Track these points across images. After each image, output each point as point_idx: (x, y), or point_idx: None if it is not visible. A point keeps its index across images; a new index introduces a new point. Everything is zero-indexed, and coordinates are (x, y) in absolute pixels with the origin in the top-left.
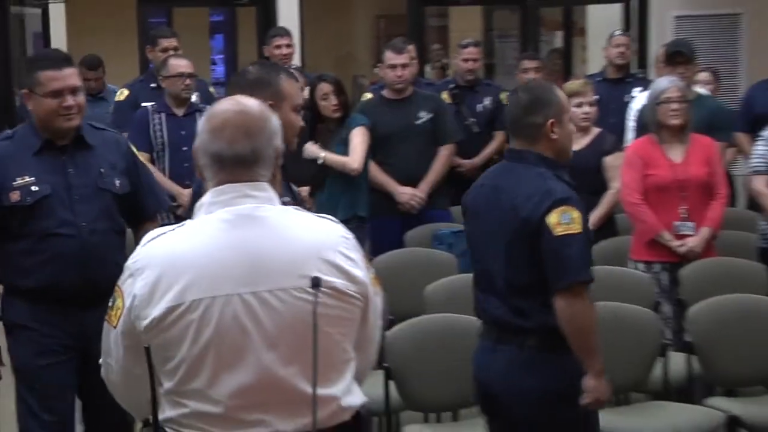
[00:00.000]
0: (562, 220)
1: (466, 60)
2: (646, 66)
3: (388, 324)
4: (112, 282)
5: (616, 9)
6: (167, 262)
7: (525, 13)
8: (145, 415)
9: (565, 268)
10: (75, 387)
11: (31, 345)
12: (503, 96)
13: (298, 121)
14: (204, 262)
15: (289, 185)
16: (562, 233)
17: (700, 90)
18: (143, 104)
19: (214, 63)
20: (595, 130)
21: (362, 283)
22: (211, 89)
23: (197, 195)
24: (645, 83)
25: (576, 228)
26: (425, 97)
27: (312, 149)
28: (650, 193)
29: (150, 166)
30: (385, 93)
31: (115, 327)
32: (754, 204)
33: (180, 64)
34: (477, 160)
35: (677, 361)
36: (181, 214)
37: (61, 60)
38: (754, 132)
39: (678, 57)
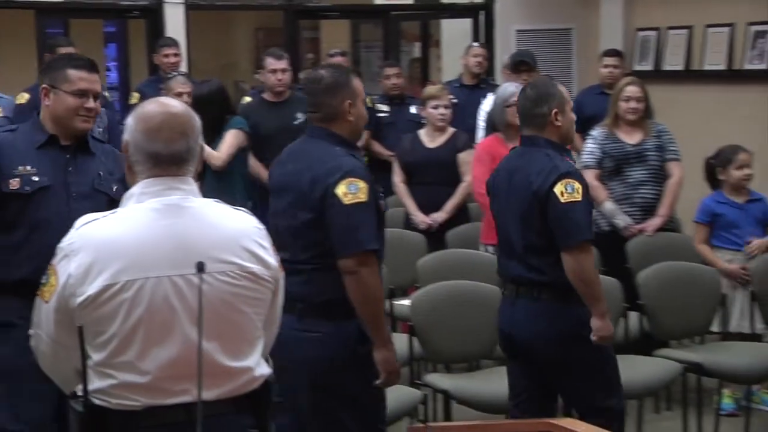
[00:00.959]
0: (567, 190)
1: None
2: (493, 73)
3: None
4: None
5: (467, 23)
6: (102, 245)
7: (387, 26)
8: (72, 387)
9: (571, 229)
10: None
11: (17, 343)
12: (368, 100)
13: (366, 114)
14: (137, 246)
15: None
16: (567, 201)
17: None
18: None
19: (108, 69)
20: (451, 130)
21: (274, 268)
22: (106, 93)
23: None
24: (496, 89)
25: (578, 196)
26: (302, 99)
27: None
28: None
29: None
30: (264, 95)
31: (47, 302)
32: None
33: None
34: None
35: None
36: None
37: (92, 64)
38: (584, 132)
39: (522, 65)
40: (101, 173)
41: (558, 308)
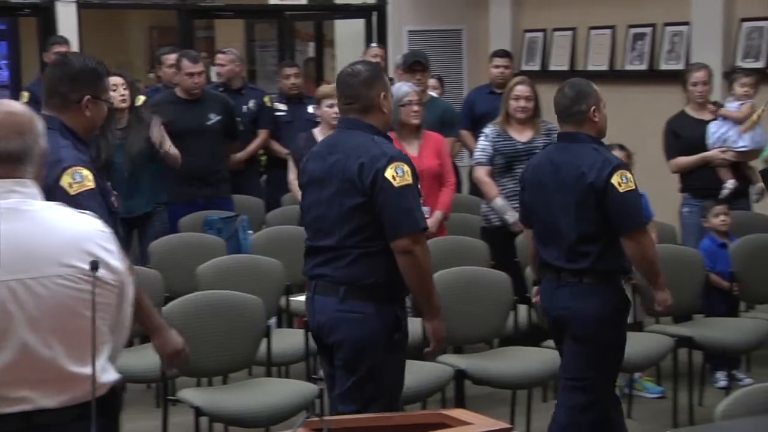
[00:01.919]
0: (623, 181)
1: (221, 65)
2: (387, 73)
3: (164, 300)
4: None
5: (360, 23)
6: None
7: (282, 26)
8: None
9: (632, 216)
10: None
11: None
12: (266, 99)
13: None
14: None
15: None
16: (625, 190)
17: (431, 93)
18: None
19: None
20: None
21: (119, 272)
22: None
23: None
24: None
25: (632, 185)
26: (215, 99)
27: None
28: None
29: None
30: (177, 92)
31: None
32: (476, 190)
33: None
34: (242, 154)
35: (414, 325)
36: None
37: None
38: (475, 129)
39: (417, 66)
40: None
41: (602, 291)
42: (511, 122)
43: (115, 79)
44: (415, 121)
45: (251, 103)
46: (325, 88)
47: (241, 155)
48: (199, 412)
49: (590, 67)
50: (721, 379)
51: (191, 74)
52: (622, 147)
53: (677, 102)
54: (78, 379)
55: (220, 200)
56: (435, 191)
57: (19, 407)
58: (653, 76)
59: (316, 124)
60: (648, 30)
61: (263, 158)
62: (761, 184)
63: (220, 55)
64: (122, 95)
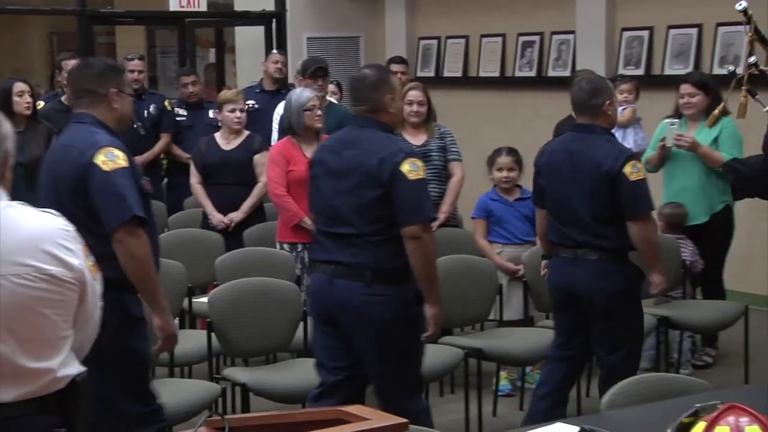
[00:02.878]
0: (633, 170)
1: (132, 71)
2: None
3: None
4: None
5: (260, 30)
6: None
7: (182, 33)
8: None
9: (640, 202)
10: None
11: (146, 336)
12: (167, 103)
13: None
14: None
15: None
16: (635, 179)
17: (330, 99)
18: None
19: None
20: (246, 132)
21: (78, 270)
22: None
23: None
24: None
25: (642, 174)
26: None
27: None
28: (292, 185)
29: None
30: (64, 100)
31: None
32: None
33: None
34: (143, 157)
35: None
36: None
37: None
38: None
39: (318, 72)
40: None
41: (614, 268)
42: (405, 126)
43: (20, 86)
44: (318, 125)
45: (152, 108)
46: (226, 94)
47: (146, 156)
48: None
49: (482, 74)
50: None
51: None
52: (510, 151)
53: (565, 107)
54: (35, 374)
55: None
56: None
57: None
58: (541, 82)
59: (216, 128)
60: (536, 38)
61: (164, 162)
62: None
63: (137, 61)
64: (27, 102)
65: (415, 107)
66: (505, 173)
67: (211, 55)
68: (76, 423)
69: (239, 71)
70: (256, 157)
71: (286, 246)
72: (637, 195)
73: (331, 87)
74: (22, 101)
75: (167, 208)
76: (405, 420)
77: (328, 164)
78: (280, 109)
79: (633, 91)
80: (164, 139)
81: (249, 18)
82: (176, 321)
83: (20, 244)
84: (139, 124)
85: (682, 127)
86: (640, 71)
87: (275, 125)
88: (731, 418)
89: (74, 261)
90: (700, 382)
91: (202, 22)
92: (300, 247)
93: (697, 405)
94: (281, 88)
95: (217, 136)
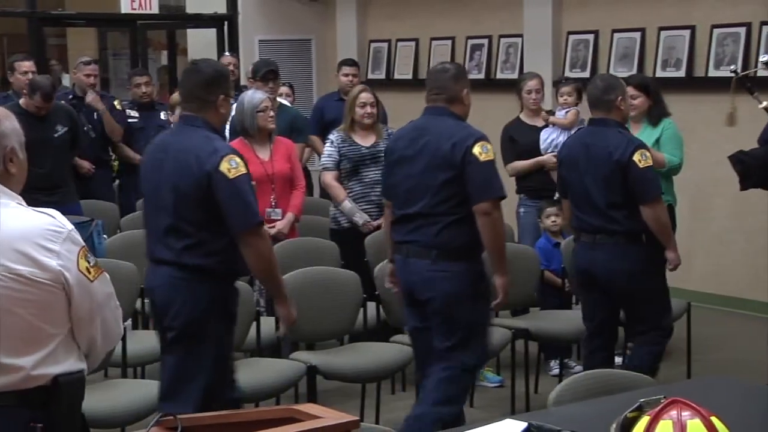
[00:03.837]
0: (642, 158)
1: (88, 75)
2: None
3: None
4: None
5: (212, 33)
6: None
7: (134, 35)
8: None
9: (650, 187)
10: None
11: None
12: (116, 102)
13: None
14: None
15: None
16: (644, 166)
17: (282, 101)
18: None
19: None
20: None
21: (55, 271)
22: None
23: None
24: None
25: (650, 162)
26: (60, 110)
27: None
28: None
29: None
30: (22, 104)
31: None
32: (325, 194)
33: None
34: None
35: (268, 324)
36: None
37: None
38: (325, 135)
39: (270, 74)
40: None
41: (631, 250)
42: (355, 128)
43: None
44: (271, 126)
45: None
46: (178, 96)
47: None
48: None
49: None
50: (554, 367)
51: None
52: None
53: (513, 109)
54: (7, 369)
55: (67, 207)
56: (286, 194)
57: None
58: (490, 84)
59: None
60: (485, 41)
61: (116, 164)
62: None
63: (93, 65)
64: None
65: (368, 109)
66: None
67: (164, 58)
68: (55, 420)
69: None
70: None
71: None
72: (647, 180)
73: (285, 89)
74: None
75: (119, 209)
76: (356, 418)
77: (400, 151)
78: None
79: (573, 94)
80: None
81: (201, 20)
82: (129, 322)
83: None
84: (90, 126)
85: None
86: (586, 74)
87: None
88: (674, 412)
89: (51, 262)
90: (643, 377)
91: (153, 24)
92: None
93: (642, 400)
94: (234, 89)
95: None
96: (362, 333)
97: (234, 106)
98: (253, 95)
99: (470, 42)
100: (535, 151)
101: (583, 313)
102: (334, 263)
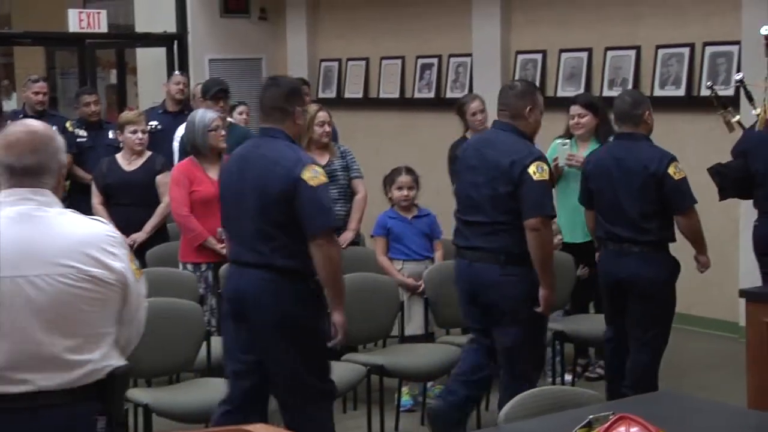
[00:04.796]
0: (677, 170)
1: (36, 93)
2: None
3: None
4: None
5: (162, 52)
6: None
7: (83, 54)
8: None
9: (685, 198)
10: None
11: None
12: (68, 124)
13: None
14: None
15: None
16: (679, 177)
17: (232, 120)
18: None
19: None
20: (148, 153)
21: (119, 272)
22: None
23: None
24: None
25: (684, 173)
26: None
27: None
28: (196, 206)
29: None
30: None
31: None
32: None
33: None
34: None
35: (218, 344)
36: None
37: None
38: None
39: (220, 93)
40: None
41: (656, 257)
42: (311, 147)
43: None
44: (222, 145)
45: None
46: (127, 115)
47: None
48: None
49: (382, 95)
50: None
51: None
52: (409, 170)
53: (461, 128)
54: (75, 365)
55: None
56: None
57: (23, 387)
58: (440, 103)
59: (117, 149)
60: (434, 60)
61: (66, 183)
62: None
63: (41, 83)
64: None
65: (326, 128)
66: (405, 192)
67: (113, 76)
68: (113, 411)
69: (141, 92)
70: (159, 177)
71: (189, 266)
72: (683, 191)
73: (242, 108)
74: None
75: None
76: None
77: (468, 160)
78: (180, 130)
79: None
80: (67, 159)
81: (150, 39)
82: None
83: (65, 247)
84: None
85: (573, 147)
86: None
87: (176, 146)
88: (622, 428)
89: (116, 264)
90: (593, 394)
91: (102, 43)
92: (204, 267)
93: (591, 416)
94: (184, 109)
95: (119, 156)
96: None
97: (183, 125)
98: (204, 114)
99: (420, 61)
100: None
101: (606, 317)
102: None
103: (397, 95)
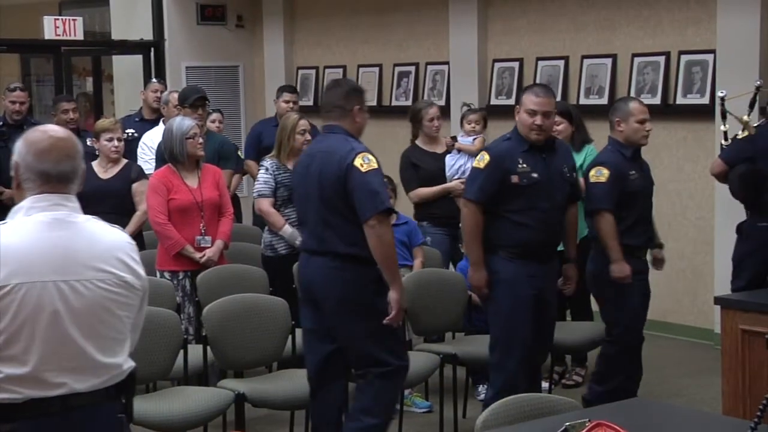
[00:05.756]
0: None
1: (13, 102)
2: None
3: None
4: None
5: (138, 59)
6: None
7: (58, 61)
8: None
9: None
10: None
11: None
12: None
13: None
14: (26, 253)
15: None
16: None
17: (210, 127)
18: None
19: None
20: (124, 161)
21: (144, 279)
22: None
23: None
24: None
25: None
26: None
27: None
28: (174, 213)
29: None
30: None
31: None
32: (258, 221)
33: None
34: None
35: (195, 352)
36: None
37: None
38: (261, 160)
39: (198, 101)
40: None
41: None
42: (290, 157)
43: None
44: (200, 153)
45: None
46: (103, 123)
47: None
48: None
49: None
50: (482, 392)
51: None
52: (387, 179)
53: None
54: (107, 367)
55: None
56: (215, 221)
57: (59, 391)
58: None
59: (93, 156)
60: (412, 68)
61: None
62: None
63: (19, 92)
64: None
65: (307, 136)
66: None
67: (89, 84)
68: (129, 408)
69: (117, 100)
70: (135, 185)
71: (166, 274)
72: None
73: (216, 116)
74: None
75: None
76: None
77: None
78: (149, 139)
79: (480, 121)
80: None
81: (127, 47)
82: None
83: (101, 253)
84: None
85: None
86: (512, 101)
87: (140, 153)
88: None
89: (141, 270)
90: (569, 401)
91: (78, 50)
92: (181, 275)
93: (567, 423)
94: (160, 116)
95: (95, 164)
96: (291, 360)
97: (150, 133)
98: (182, 122)
99: (397, 69)
100: (440, 177)
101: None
102: (263, 290)
103: (374, 103)
